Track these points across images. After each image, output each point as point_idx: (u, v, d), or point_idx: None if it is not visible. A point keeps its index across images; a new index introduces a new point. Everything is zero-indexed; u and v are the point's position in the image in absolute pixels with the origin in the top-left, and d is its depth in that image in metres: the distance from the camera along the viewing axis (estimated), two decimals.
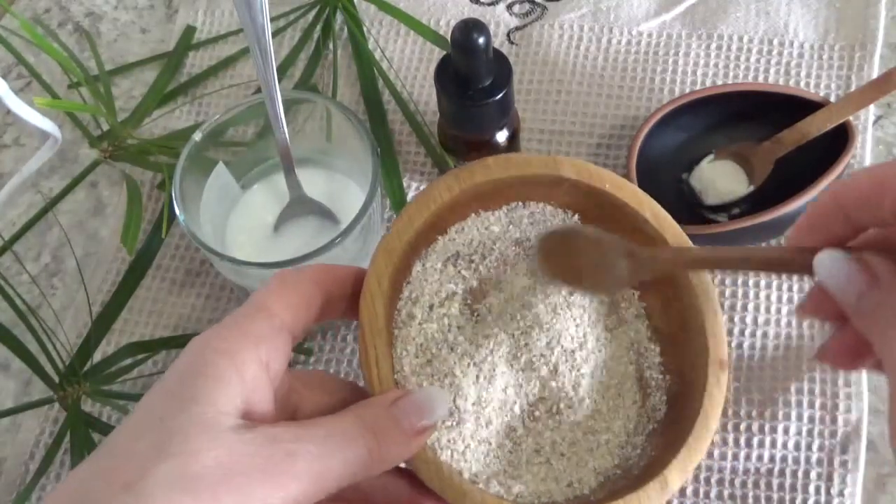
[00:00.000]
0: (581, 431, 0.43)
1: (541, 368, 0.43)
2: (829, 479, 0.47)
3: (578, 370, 0.43)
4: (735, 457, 0.48)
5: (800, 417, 0.49)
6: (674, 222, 0.43)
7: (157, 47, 0.65)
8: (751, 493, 0.47)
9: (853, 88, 0.57)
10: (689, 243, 0.43)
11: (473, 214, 0.45)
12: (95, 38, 0.66)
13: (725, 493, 0.47)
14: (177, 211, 0.48)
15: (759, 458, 0.48)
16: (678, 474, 0.39)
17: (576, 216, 0.45)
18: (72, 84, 0.63)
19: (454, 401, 0.42)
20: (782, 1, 0.61)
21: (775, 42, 0.60)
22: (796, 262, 0.36)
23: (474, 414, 0.42)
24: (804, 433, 0.48)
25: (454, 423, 0.41)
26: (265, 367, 0.33)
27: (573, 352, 0.43)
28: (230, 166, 0.52)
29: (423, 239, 0.43)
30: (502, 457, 0.42)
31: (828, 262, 0.33)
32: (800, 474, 0.47)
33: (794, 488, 0.47)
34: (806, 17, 0.60)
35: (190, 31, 0.65)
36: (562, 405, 0.43)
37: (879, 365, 0.34)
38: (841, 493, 0.47)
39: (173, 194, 0.48)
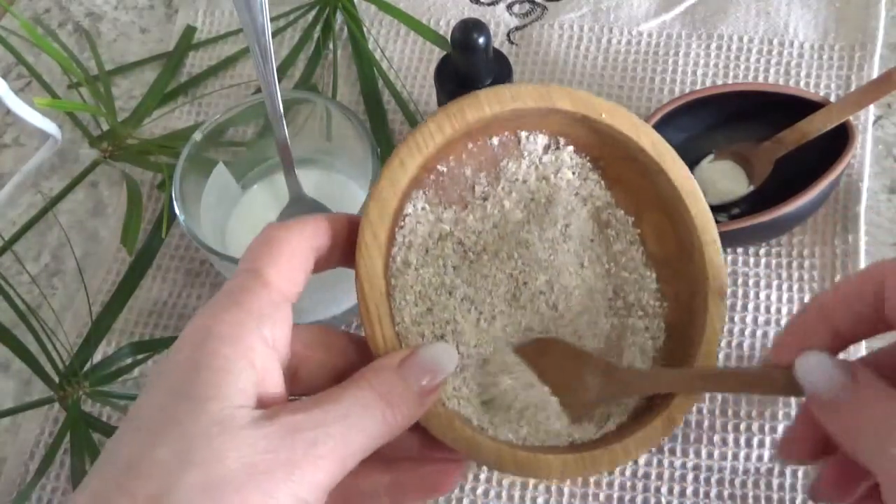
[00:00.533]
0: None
1: (540, 306, 0.42)
2: None
3: (577, 306, 0.43)
4: (735, 457, 0.48)
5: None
6: (674, 153, 0.42)
7: (157, 47, 0.65)
8: (751, 493, 0.47)
9: (853, 88, 0.57)
10: (686, 171, 0.42)
11: (464, 150, 0.43)
12: (95, 38, 0.66)
13: (725, 493, 0.47)
14: (177, 211, 0.48)
15: (759, 458, 0.48)
16: (682, 409, 0.39)
17: (570, 147, 0.44)
18: (72, 84, 0.63)
19: (457, 347, 0.41)
20: (782, 1, 0.61)
21: (775, 42, 0.60)
22: (779, 382, 0.36)
23: (476, 357, 0.41)
24: None
25: (458, 370, 0.40)
26: (272, 347, 0.32)
27: (574, 288, 0.43)
28: (230, 166, 0.52)
29: (414, 182, 0.41)
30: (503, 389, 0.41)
31: (810, 358, 0.33)
32: (800, 474, 0.47)
33: (794, 488, 0.47)
34: (806, 17, 0.60)
35: (190, 31, 0.65)
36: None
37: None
38: None
39: (173, 194, 0.48)
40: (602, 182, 0.44)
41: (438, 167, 0.42)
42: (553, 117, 0.42)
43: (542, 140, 0.44)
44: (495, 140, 0.43)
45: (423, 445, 0.37)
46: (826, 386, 0.32)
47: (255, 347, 0.31)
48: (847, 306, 0.33)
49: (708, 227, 0.42)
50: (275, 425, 0.30)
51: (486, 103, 0.41)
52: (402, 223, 0.42)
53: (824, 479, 0.35)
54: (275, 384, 0.32)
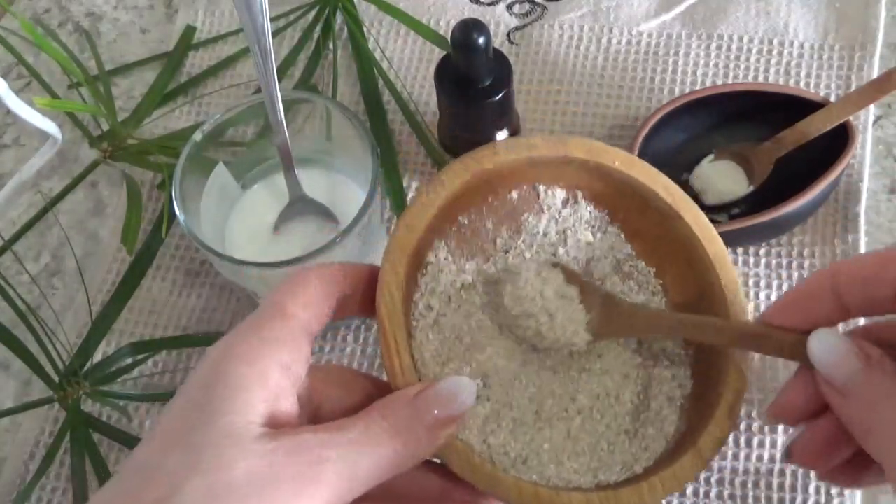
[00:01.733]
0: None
1: (563, 353, 0.43)
2: None
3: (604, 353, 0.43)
4: (735, 457, 0.48)
5: None
6: (687, 197, 0.43)
7: (157, 47, 0.65)
8: (751, 493, 0.47)
9: (853, 88, 0.57)
10: (701, 213, 0.42)
11: (485, 203, 0.44)
12: (95, 38, 0.66)
13: (725, 493, 0.47)
14: (177, 211, 0.48)
15: (759, 458, 0.48)
16: (712, 444, 0.39)
17: (588, 201, 0.45)
18: (72, 84, 0.63)
19: (479, 382, 0.41)
20: (782, 1, 0.61)
21: (775, 42, 0.60)
22: (787, 347, 0.36)
23: (499, 394, 0.42)
24: None
25: (480, 406, 0.41)
26: (287, 371, 0.33)
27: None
28: (230, 166, 0.52)
29: (435, 228, 0.43)
30: (530, 435, 0.42)
31: (825, 339, 0.33)
32: (800, 474, 0.47)
33: (794, 488, 0.47)
34: (806, 17, 0.60)
35: (190, 31, 0.65)
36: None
37: (856, 466, 0.34)
38: (841, 493, 0.47)
39: (173, 194, 0.48)
40: (622, 234, 0.45)
41: (460, 219, 0.44)
42: (569, 168, 0.43)
43: (560, 194, 0.45)
44: (514, 194, 0.45)
45: (444, 486, 0.37)
46: (840, 371, 0.32)
47: (270, 369, 0.32)
48: (863, 285, 0.33)
49: (726, 268, 0.42)
50: (282, 441, 0.30)
51: (503, 151, 0.42)
52: (425, 271, 0.43)
53: (804, 442, 0.35)
54: (287, 407, 0.33)
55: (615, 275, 0.45)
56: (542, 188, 0.45)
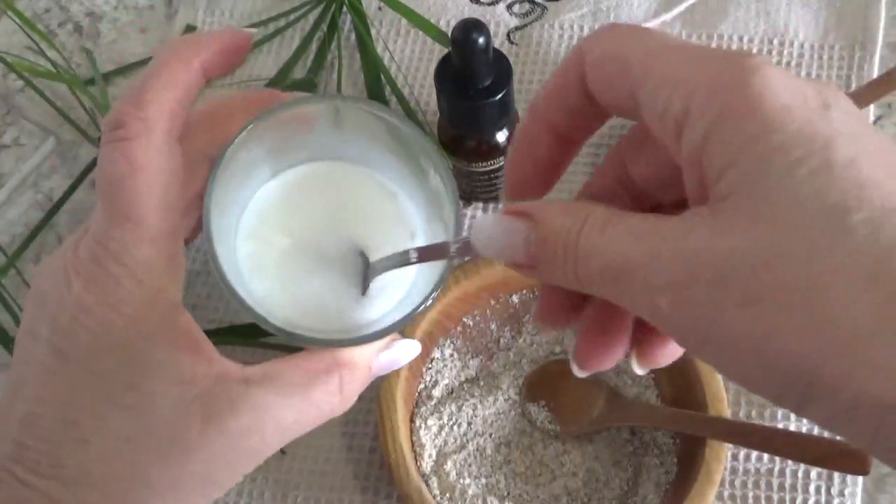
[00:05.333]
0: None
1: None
2: (830, 478, 0.47)
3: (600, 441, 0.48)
4: (735, 457, 0.48)
5: (799, 417, 0.49)
6: None
7: (157, 47, 0.65)
8: (751, 493, 0.47)
9: (853, 88, 0.57)
10: None
11: (487, 306, 0.49)
12: (95, 37, 0.66)
13: (725, 493, 0.47)
14: (212, 244, 0.36)
15: (759, 458, 0.48)
16: (716, 459, 0.43)
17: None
18: (71, 85, 0.63)
19: (466, 425, 0.48)
20: (782, 1, 0.61)
21: (775, 42, 0.60)
22: (765, 435, 0.43)
23: (492, 475, 0.47)
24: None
25: (473, 483, 0.46)
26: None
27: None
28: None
29: (438, 327, 0.48)
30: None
31: (483, 224, 0.28)
32: (800, 474, 0.47)
33: (794, 488, 0.47)
34: (806, 17, 0.60)
35: (190, 31, 0.64)
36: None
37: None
38: (841, 493, 0.47)
39: (207, 221, 0.36)
40: None
41: (465, 320, 0.49)
42: None
43: None
44: (515, 298, 0.49)
45: None
46: (502, 238, 0.28)
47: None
48: (559, 101, 0.29)
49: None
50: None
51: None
52: (430, 365, 0.49)
53: (544, 304, 0.31)
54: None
55: (610, 370, 0.48)
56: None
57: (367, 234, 0.40)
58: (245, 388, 0.33)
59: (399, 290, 0.40)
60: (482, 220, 0.28)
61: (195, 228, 0.38)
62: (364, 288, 0.39)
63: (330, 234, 0.40)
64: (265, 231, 0.40)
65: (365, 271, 0.39)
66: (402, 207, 0.41)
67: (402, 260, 0.36)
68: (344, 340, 0.37)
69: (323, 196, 0.41)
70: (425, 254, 0.35)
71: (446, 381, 0.48)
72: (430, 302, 0.37)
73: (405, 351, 0.39)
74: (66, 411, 0.31)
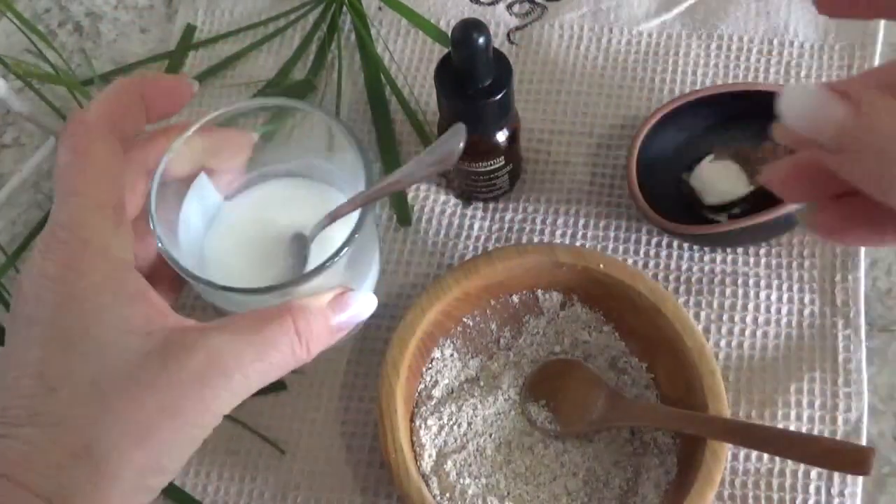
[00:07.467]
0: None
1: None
2: (830, 478, 0.47)
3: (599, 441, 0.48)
4: (735, 457, 0.48)
5: (799, 417, 0.49)
6: (666, 292, 0.47)
7: (157, 47, 0.65)
8: (751, 493, 0.47)
9: None
10: (681, 308, 0.47)
11: (487, 306, 0.50)
12: (95, 37, 0.66)
13: (725, 493, 0.47)
14: (153, 226, 0.40)
15: (759, 458, 0.48)
16: (716, 460, 0.44)
17: (583, 304, 0.50)
18: (70, 86, 0.63)
19: (466, 425, 0.48)
20: (782, 1, 0.61)
21: (775, 42, 0.60)
22: (766, 435, 0.42)
23: (492, 475, 0.47)
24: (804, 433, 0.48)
25: (472, 483, 0.46)
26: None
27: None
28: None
29: (439, 327, 0.49)
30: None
31: (792, 94, 0.27)
32: (800, 474, 0.47)
33: (794, 488, 0.47)
34: (806, 17, 0.60)
35: (190, 30, 0.64)
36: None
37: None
38: (841, 493, 0.47)
39: (151, 209, 0.41)
40: (616, 333, 0.50)
41: (465, 320, 0.50)
42: (561, 272, 0.48)
43: (557, 297, 0.50)
44: (515, 298, 0.50)
45: None
46: (816, 113, 0.26)
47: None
48: None
49: (705, 359, 0.46)
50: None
51: (497, 258, 0.48)
52: (430, 365, 0.49)
53: (826, 217, 0.30)
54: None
55: (610, 371, 0.49)
56: (540, 293, 0.50)
57: (306, 226, 0.44)
58: (200, 333, 0.35)
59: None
60: (799, 86, 0.27)
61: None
62: (304, 258, 0.43)
63: (276, 232, 0.46)
64: (225, 234, 0.47)
65: (305, 248, 0.44)
66: (336, 197, 0.46)
67: (329, 218, 0.42)
68: (274, 286, 0.40)
69: (268, 213, 0.47)
70: (343, 208, 0.40)
71: (446, 381, 0.49)
72: (350, 247, 0.40)
73: (362, 304, 0.40)
74: (39, 367, 0.34)
